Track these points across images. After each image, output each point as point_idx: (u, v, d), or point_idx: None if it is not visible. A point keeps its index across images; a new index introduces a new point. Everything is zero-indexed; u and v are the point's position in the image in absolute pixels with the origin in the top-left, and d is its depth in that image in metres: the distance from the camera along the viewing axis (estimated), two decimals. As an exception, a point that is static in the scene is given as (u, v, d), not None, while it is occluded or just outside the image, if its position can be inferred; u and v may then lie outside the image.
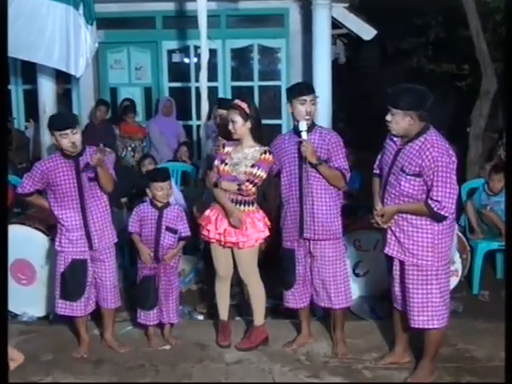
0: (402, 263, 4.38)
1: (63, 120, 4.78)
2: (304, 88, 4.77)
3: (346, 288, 4.85)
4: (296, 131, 4.74)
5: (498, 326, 4.84)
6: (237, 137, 4.73)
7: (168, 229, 4.96)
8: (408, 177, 4.20)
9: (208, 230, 4.81)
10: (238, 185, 4.66)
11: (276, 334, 5.10)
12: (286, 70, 9.49)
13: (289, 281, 4.88)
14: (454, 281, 5.65)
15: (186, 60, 9.70)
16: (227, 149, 4.79)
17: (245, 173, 4.67)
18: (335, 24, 8.69)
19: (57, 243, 4.84)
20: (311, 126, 4.70)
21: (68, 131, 4.63)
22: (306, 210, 4.70)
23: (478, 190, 6.67)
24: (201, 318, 5.71)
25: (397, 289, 4.50)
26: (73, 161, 4.72)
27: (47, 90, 7.26)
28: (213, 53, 8.52)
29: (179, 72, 9.70)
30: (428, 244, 4.27)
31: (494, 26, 9.45)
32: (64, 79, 8.36)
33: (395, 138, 4.33)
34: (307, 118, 4.65)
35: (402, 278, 4.41)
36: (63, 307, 4.86)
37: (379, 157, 4.57)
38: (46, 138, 7.59)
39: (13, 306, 5.48)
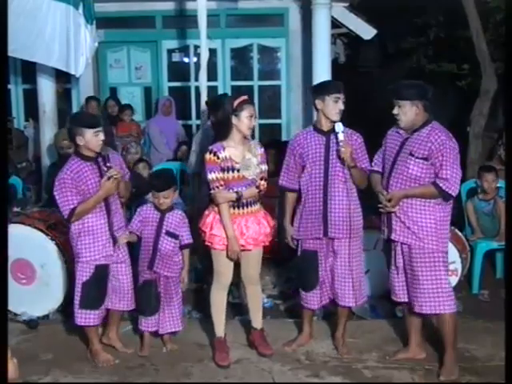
0: (409, 250, 4.47)
1: (94, 118, 4.78)
2: (339, 85, 4.74)
3: (365, 282, 4.95)
4: (319, 130, 4.71)
5: (497, 326, 4.86)
6: (249, 133, 4.57)
7: (168, 233, 4.83)
8: (417, 160, 4.39)
9: (213, 236, 4.60)
10: (257, 187, 4.59)
11: (276, 334, 5.10)
12: (285, 70, 9.50)
13: (312, 282, 4.82)
14: (453, 280, 5.65)
15: (186, 59, 9.71)
16: (224, 154, 4.51)
17: (260, 171, 4.59)
18: (335, 23, 8.70)
19: (80, 253, 4.67)
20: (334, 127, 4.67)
21: (100, 128, 4.60)
22: (331, 209, 4.67)
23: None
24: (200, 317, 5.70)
25: (400, 279, 4.57)
26: (94, 163, 4.64)
27: (47, 90, 7.26)
28: (212, 52, 8.52)
29: (179, 71, 9.71)
30: (432, 228, 4.45)
31: (495, 26, 9.45)
32: (64, 79, 8.37)
33: (401, 131, 4.50)
34: (339, 116, 4.63)
35: (408, 266, 4.50)
36: (83, 317, 4.72)
37: (378, 154, 4.69)
38: (46, 138, 7.60)
39: (12, 305, 5.48)
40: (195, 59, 9.36)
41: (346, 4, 8.95)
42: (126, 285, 4.86)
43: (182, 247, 4.89)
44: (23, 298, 5.56)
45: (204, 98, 6.73)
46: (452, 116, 9.90)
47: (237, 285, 5.40)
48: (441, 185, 4.35)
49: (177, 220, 4.87)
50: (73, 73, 6.62)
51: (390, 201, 4.43)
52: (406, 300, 4.62)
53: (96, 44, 6.79)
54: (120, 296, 4.86)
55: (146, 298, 4.84)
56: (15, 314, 5.59)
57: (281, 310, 5.82)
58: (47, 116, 7.48)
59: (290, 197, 4.89)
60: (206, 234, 4.63)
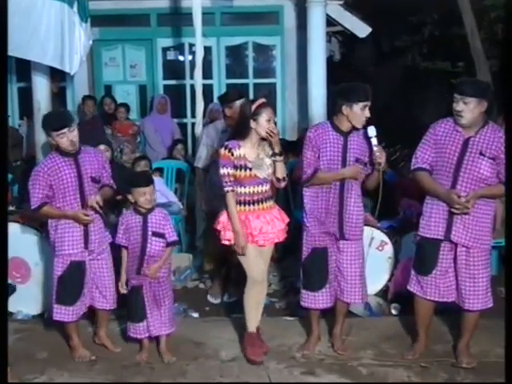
0: (466, 250, 4.51)
1: (59, 119, 4.68)
2: (367, 92, 4.61)
3: (366, 282, 4.91)
4: (337, 129, 4.62)
5: (492, 323, 4.86)
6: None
7: (154, 234, 4.70)
8: (489, 160, 4.40)
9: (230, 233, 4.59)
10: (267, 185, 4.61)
11: (271, 332, 5.09)
12: (280, 68, 9.51)
13: (321, 281, 4.76)
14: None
15: (181, 57, 9.71)
16: (238, 152, 4.53)
17: (273, 172, 4.62)
18: (330, 21, 8.69)
19: (56, 246, 4.72)
20: (353, 129, 4.63)
21: (65, 130, 4.57)
22: (348, 211, 4.65)
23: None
24: (196, 315, 5.71)
25: (448, 279, 4.58)
26: (72, 159, 4.67)
27: (42, 88, 7.23)
28: (207, 50, 8.52)
29: (174, 69, 9.71)
30: (488, 228, 4.54)
31: (489, 24, 9.47)
32: (58, 78, 8.35)
33: (459, 129, 4.47)
34: (364, 122, 4.58)
35: (463, 266, 4.53)
36: (59, 312, 4.74)
37: (424, 152, 4.57)
38: (41, 136, 7.57)
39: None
40: (190, 57, 9.35)
41: (341, 2, 8.95)
42: (107, 282, 4.85)
43: (168, 245, 4.77)
44: (18, 297, 5.56)
45: (199, 96, 6.72)
46: (447, 114, 9.92)
47: (238, 283, 5.38)
48: None
49: (160, 218, 4.74)
50: (67, 71, 6.61)
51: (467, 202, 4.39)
52: (452, 300, 4.63)
53: (90, 42, 6.78)
54: (103, 294, 4.84)
55: (134, 304, 4.73)
56: (10, 313, 5.58)
57: (276, 308, 5.82)
58: (42, 114, 7.45)
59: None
60: (223, 233, 4.62)
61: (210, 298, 6.00)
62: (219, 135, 5.83)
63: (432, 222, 4.56)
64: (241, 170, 4.54)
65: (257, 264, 4.66)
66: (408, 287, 4.75)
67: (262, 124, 4.51)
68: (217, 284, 6.07)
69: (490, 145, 4.41)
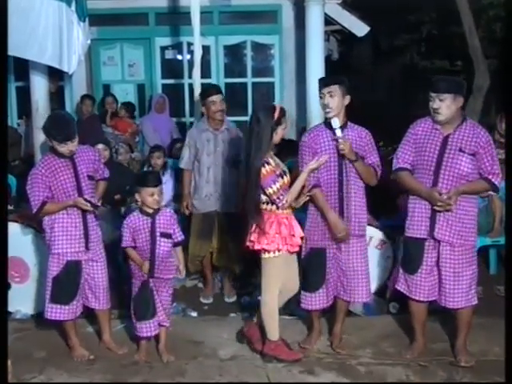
0: (450, 248, 4.49)
1: (63, 132, 4.61)
2: (323, 80, 4.70)
3: (369, 280, 4.89)
4: (328, 126, 4.67)
5: (491, 322, 4.87)
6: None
7: (162, 234, 4.69)
8: (469, 156, 4.41)
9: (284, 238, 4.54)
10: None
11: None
12: (279, 67, 9.52)
13: (317, 282, 4.76)
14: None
15: (179, 57, 9.72)
16: (271, 161, 4.53)
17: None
18: (328, 20, 8.70)
19: (51, 245, 4.74)
20: (345, 123, 4.67)
21: (68, 142, 4.61)
22: (348, 207, 4.65)
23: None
24: (194, 314, 5.71)
25: (432, 278, 4.57)
26: (69, 159, 4.69)
27: (40, 88, 7.23)
28: (206, 49, 8.51)
29: (172, 69, 9.72)
30: (471, 224, 4.53)
31: (487, 22, 9.48)
32: (57, 77, 8.34)
33: (438, 127, 4.48)
34: (327, 111, 4.62)
35: (446, 263, 4.51)
36: (54, 311, 4.76)
37: (404, 152, 4.59)
38: (39, 136, 7.57)
39: (6, 303, 5.47)
40: (188, 56, 9.36)
41: (339, 1, 8.96)
42: (102, 284, 4.86)
43: (175, 245, 4.80)
44: (17, 297, 5.56)
45: (198, 95, 6.72)
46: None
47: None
48: (493, 180, 4.45)
49: (167, 219, 4.74)
50: (65, 70, 6.61)
51: (449, 198, 4.40)
52: (435, 298, 4.62)
53: (89, 41, 6.78)
54: (96, 295, 4.86)
55: (145, 301, 4.70)
56: (9, 313, 5.58)
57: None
58: (40, 114, 7.45)
59: (322, 193, 4.68)
60: (279, 239, 4.53)
61: (203, 299, 6.02)
62: (200, 135, 5.82)
63: (415, 220, 4.57)
64: (282, 177, 4.54)
65: (282, 275, 4.63)
66: (396, 286, 4.77)
67: (279, 133, 4.54)
68: (208, 285, 6.12)
69: (470, 141, 4.42)
